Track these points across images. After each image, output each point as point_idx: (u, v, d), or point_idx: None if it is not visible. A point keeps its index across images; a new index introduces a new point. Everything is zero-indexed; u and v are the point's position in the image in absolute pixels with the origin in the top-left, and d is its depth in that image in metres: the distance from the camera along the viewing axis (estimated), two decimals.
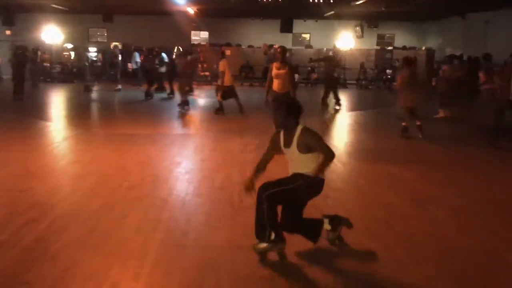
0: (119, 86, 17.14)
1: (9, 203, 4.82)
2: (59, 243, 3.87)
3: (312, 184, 3.62)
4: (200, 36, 26.16)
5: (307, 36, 26.49)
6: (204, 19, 23.24)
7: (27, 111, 12.08)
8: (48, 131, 9.64)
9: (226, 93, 11.41)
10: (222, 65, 11.22)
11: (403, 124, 8.97)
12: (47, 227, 4.21)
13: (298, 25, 23.99)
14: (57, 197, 5.15)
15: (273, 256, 3.69)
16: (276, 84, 7.48)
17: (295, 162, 3.76)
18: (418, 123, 8.95)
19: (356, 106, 15.71)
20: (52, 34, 21.97)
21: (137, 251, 3.77)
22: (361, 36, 23.63)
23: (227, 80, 11.35)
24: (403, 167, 6.75)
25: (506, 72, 8.75)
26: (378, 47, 25.03)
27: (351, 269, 3.59)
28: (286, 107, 3.69)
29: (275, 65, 7.53)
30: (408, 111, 8.94)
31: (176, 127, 10.68)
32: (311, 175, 3.54)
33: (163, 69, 16.16)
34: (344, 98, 17.56)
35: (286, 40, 23.75)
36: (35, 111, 12.03)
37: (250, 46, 24.19)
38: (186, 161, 7.06)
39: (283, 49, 7.58)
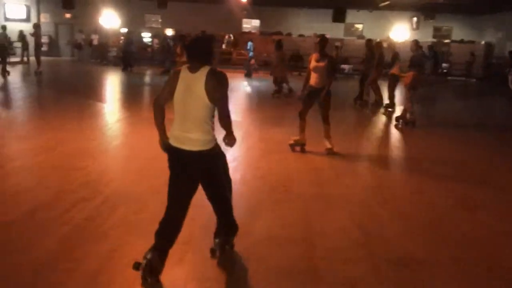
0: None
1: (62, 181, 5.04)
2: (108, 223, 4.00)
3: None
4: (251, 24, 26.17)
5: (360, 26, 25.94)
6: (256, 7, 23.19)
7: (82, 92, 12.54)
8: (102, 113, 9.97)
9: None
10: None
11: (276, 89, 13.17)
12: (97, 207, 4.36)
13: (351, 15, 23.52)
14: (107, 178, 5.32)
15: (312, 248, 3.67)
16: (313, 78, 6.66)
17: None
18: (276, 88, 13.13)
19: None
20: (109, 19, 22.63)
21: (182, 236, 3.82)
22: (416, 28, 22.87)
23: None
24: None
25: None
26: (435, 40, 24.14)
27: (392, 265, 3.51)
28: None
29: (314, 56, 6.70)
30: (276, 80, 13.25)
31: None
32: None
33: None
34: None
35: (337, 30, 23.38)
36: (89, 93, 12.45)
37: (300, 35, 23.95)
38: (232, 148, 7.08)
39: (322, 39, 6.68)
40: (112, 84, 16.49)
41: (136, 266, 3.03)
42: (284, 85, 13.38)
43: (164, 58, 19.20)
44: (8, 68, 15.64)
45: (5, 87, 13.27)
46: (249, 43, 19.22)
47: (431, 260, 3.64)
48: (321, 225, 4.24)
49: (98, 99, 11.62)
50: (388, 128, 9.48)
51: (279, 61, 13.13)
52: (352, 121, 10.59)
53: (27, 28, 23.16)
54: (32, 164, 5.76)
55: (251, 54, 19.18)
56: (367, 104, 11.95)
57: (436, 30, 25.53)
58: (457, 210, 4.88)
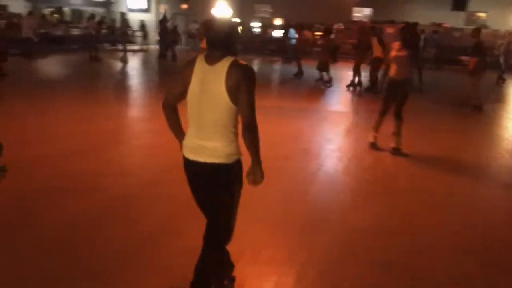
0: None
1: (165, 162, 5.30)
2: None
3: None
4: (362, 13, 25.38)
5: (483, 15, 23.90)
6: None
7: None
8: None
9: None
10: None
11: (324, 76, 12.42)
12: None
13: (474, 3, 21.82)
14: None
15: (412, 243, 3.46)
16: (394, 69, 6.01)
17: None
18: (327, 77, 12.34)
19: None
20: (221, 9, 23.41)
21: (282, 220, 3.83)
22: None
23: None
24: None
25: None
26: None
27: (501, 269, 3.19)
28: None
29: (395, 45, 6.08)
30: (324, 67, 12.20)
31: (326, 104, 10.59)
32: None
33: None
34: None
35: (456, 19, 21.86)
36: None
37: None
38: (337, 138, 6.97)
39: (407, 26, 6.06)
40: None
41: None
42: (325, 74, 12.46)
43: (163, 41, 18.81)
44: (129, 55, 16.95)
45: (102, 72, 14.42)
46: (291, 30, 18.68)
47: None
48: (422, 220, 4.01)
49: None
50: (481, 124, 8.61)
51: (325, 48, 12.30)
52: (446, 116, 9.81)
53: (148, 18, 24.84)
54: (149, 144, 6.18)
55: (293, 41, 18.29)
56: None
57: None
58: None
